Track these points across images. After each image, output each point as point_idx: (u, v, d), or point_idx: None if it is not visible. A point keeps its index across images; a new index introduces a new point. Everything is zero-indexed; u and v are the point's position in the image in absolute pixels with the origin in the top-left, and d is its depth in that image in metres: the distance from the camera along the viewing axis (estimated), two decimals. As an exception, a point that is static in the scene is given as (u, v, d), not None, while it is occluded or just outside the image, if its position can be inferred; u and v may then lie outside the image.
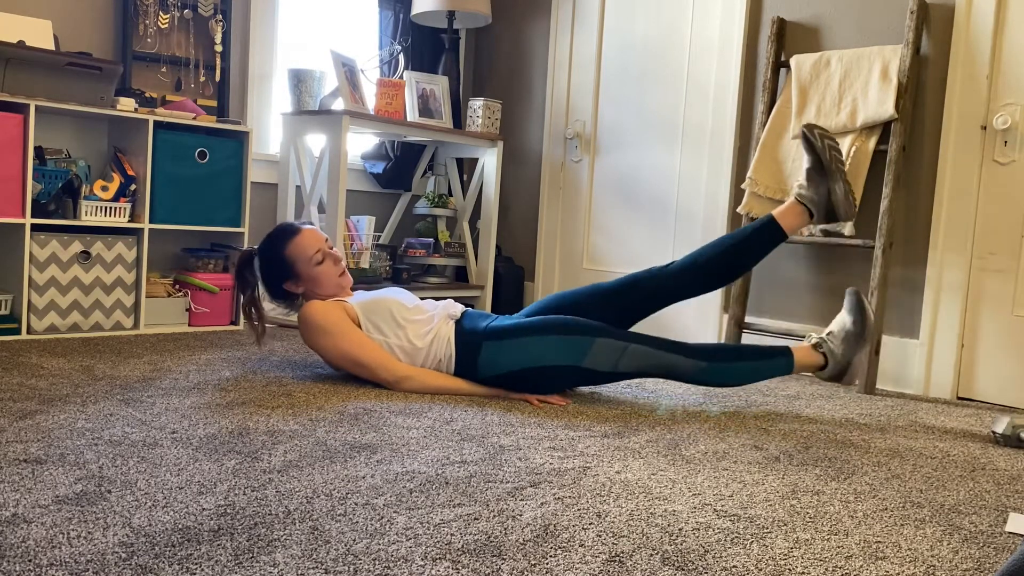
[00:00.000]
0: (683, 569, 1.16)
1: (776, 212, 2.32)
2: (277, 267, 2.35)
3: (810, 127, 2.29)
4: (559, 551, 1.19)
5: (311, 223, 2.51)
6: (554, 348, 2.15)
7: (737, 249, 2.29)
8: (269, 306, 2.47)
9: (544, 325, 2.18)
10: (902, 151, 2.73)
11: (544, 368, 2.15)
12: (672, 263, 2.35)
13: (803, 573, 1.18)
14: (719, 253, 2.30)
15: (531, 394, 2.20)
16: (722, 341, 3.19)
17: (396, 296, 2.33)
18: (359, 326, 2.27)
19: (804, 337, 2.80)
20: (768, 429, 2.05)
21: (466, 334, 2.23)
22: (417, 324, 2.27)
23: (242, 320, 3.15)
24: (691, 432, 1.96)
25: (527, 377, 2.17)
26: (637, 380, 2.61)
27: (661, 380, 2.64)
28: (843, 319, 2.28)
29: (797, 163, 2.88)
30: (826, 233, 2.80)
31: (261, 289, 2.41)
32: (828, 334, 2.28)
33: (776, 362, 2.24)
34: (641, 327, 3.42)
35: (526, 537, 1.24)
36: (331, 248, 2.38)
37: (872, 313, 2.29)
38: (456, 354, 2.23)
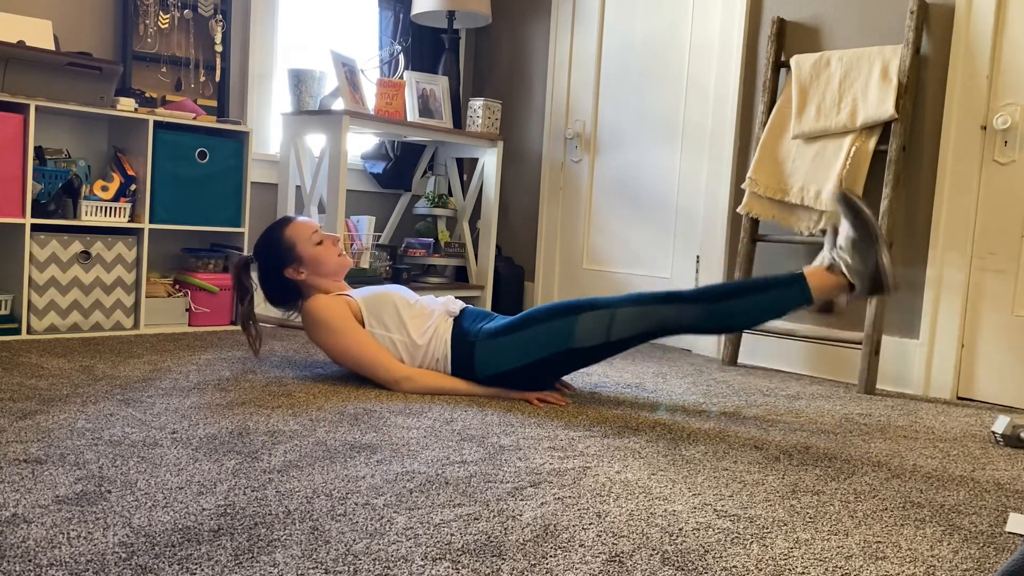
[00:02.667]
0: (683, 569, 1.16)
1: (808, 273, 2.07)
2: (277, 253, 2.34)
3: (847, 194, 2.06)
4: (559, 551, 1.19)
5: (305, 218, 2.52)
6: (542, 338, 2.13)
7: (750, 302, 2.05)
8: (267, 310, 2.47)
9: (526, 318, 2.17)
10: (902, 151, 2.73)
11: (538, 361, 2.15)
12: (681, 294, 2.10)
13: (803, 573, 1.18)
14: (736, 303, 2.05)
15: (533, 391, 2.20)
16: (723, 342, 3.18)
17: (398, 291, 2.34)
18: (362, 322, 2.27)
19: (816, 341, 2.78)
20: (768, 429, 2.05)
21: (462, 334, 2.23)
22: (418, 320, 2.28)
23: (242, 320, 3.16)
24: (691, 432, 1.96)
25: (525, 373, 2.17)
26: (637, 380, 2.60)
27: (662, 380, 2.64)
28: (843, 229, 2.06)
29: (797, 163, 2.88)
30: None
31: (259, 297, 2.41)
32: (836, 250, 2.05)
33: (791, 290, 2.01)
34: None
35: (526, 537, 1.24)
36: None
37: (867, 209, 2.02)
38: (452, 353, 2.23)
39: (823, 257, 2.09)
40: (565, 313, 2.13)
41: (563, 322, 2.12)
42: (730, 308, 2.04)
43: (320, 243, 2.35)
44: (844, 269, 2.04)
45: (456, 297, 3.70)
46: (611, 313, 2.09)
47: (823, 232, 2.83)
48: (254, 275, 2.41)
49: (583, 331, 2.11)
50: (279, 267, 2.35)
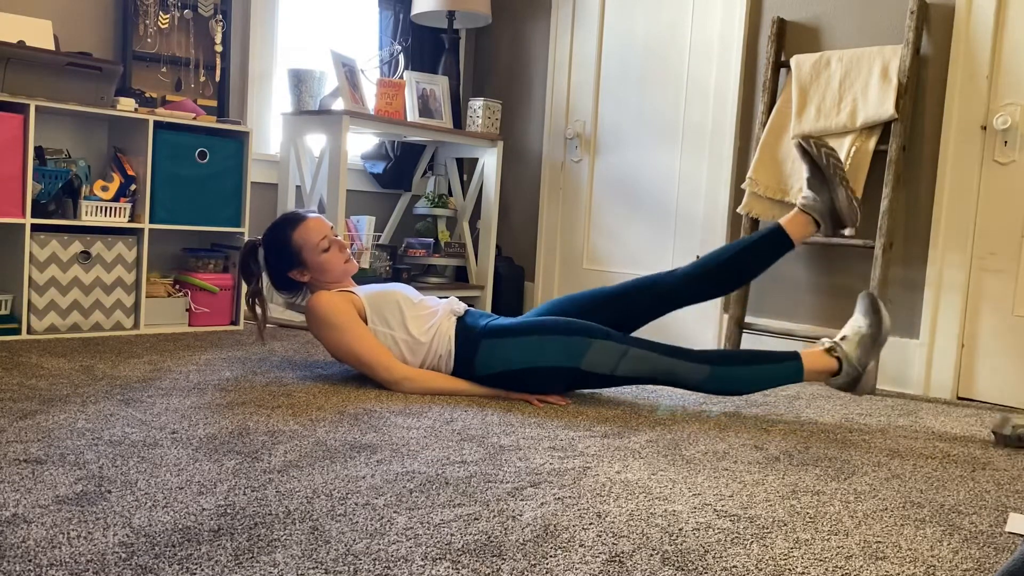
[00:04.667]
0: (683, 569, 1.16)
1: (783, 221, 2.28)
2: (283, 255, 2.34)
3: (804, 137, 2.28)
4: (559, 551, 1.19)
5: (315, 211, 2.51)
6: (552, 348, 2.14)
7: (743, 256, 2.26)
8: (275, 298, 2.47)
9: (542, 325, 2.18)
10: (902, 151, 2.73)
11: (541, 368, 2.15)
12: (677, 269, 2.31)
13: (803, 573, 1.18)
14: (725, 260, 2.26)
15: (530, 394, 2.20)
16: (723, 342, 3.19)
17: (402, 290, 2.34)
18: (365, 319, 2.27)
19: (814, 341, 2.79)
20: (768, 429, 2.05)
21: (466, 331, 2.24)
22: (421, 319, 2.28)
23: (243, 320, 3.15)
24: (691, 432, 1.96)
25: (524, 377, 2.17)
26: (637, 380, 2.61)
27: (661, 380, 2.64)
28: (857, 322, 2.18)
29: (797, 163, 2.88)
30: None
31: (265, 280, 2.41)
32: (842, 339, 2.17)
33: (785, 367, 2.14)
34: (643, 330, 3.42)
35: (526, 537, 1.24)
36: (336, 235, 2.39)
37: (888, 316, 2.18)
38: (455, 351, 2.23)
39: (822, 342, 2.20)
40: (582, 333, 2.15)
41: (577, 342, 2.14)
42: (733, 373, 2.14)
43: (327, 250, 2.34)
44: (841, 356, 2.14)
45: (456, 298, 3.71)
46: (624, 350, 2.14)
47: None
48: (261, 260, 2.41)
49: (593, 357, 2.13)
50: (284, 268, 2.36)
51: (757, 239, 2.27)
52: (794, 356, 2.15)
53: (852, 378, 2.14)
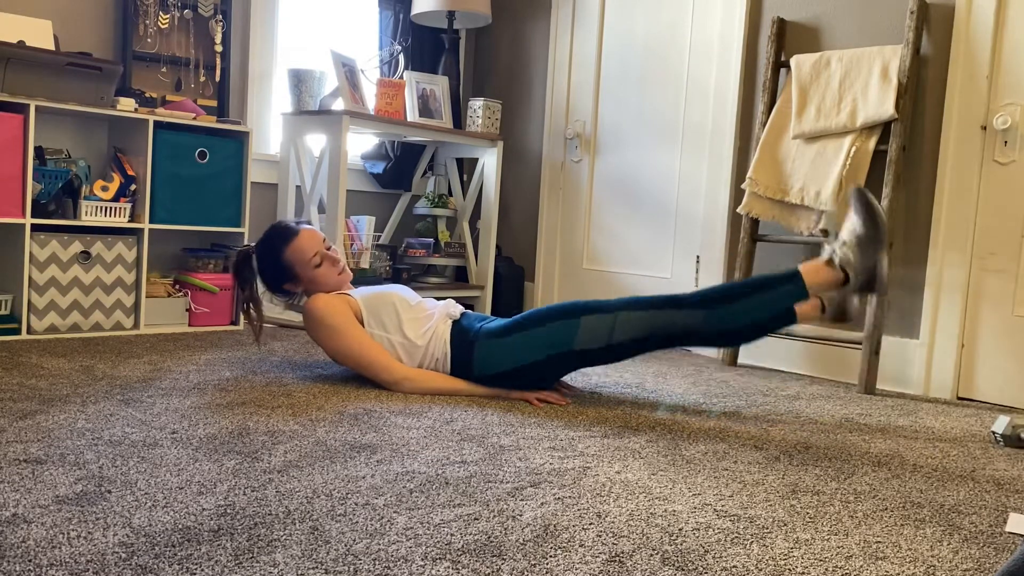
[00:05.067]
0: (683, 569, 1.16)
1: (804, 268, 2.08)
2: (276, 270, 2.34)
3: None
4: (559, 551, 1.19)
5: (308, 222, 2.51)
6: (542, 340, 2.13)
7: (753, 302, 2.06)
8: (269, 303, 2.46)
9: (528, 319, 2.17)
10: (902, 151, 2.73)
11: (537, 362, 2.15)
12: (682, 299, 2.10)
13: (803, 573, 1.18)
14: (733, 298, 2.07)
15: (532, 391, 2.20)
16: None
17: (399, 292, 2.34)
18: (362, 321, 2.27)
19: (815, 341, 2.78)
20: (768, 429, 2.05)
21: (461, 334, 2.24)
22: (418, 322, 2.28)
23: (242, 320, 3.15)
24: (691, 432, 1.96)
25: (522, 374, 2.17)
26: (637, 380, 2.60)
27: (662, 379, 2.63)
28: (851, 223, 2.05)
29: (797, 163, 2.88)
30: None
31: (260, 287, 2.41)
32: (840, 244, 2.04)
33: (784, 289, 2.02)
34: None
35: (526, 537, 1.24)
36: (328, 248, 2.36)
37: (881, 209, 2.03)
38: (452, 353, 2.23)
39: (821, 253, 2.09)
40: (567, 315, 2.13)
41: (565, 324, 2.12)
42: (730, 310, 2.04)
43: (319, 265, 2.31)
44: (840, 262, 2.03)
45: (456, 298, 3.71)
46: (613, 316, 2.09)
47: (824, 233, 2.83)
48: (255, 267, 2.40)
49: (585, 334, 2.11)
50: (277, 280, 2.35)
51: (769, 283, 2.08)
52: (792, 276, 2.04)
53: (864, 280, 2.00)
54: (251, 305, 2.36)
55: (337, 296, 2.28)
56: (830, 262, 2.06)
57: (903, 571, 1.21)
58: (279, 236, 2.34)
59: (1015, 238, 2.59)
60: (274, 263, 2.33)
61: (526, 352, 2.15)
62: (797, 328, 2.98)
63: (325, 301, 2.25)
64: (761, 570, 1.18)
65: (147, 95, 3.13)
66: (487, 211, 3.81)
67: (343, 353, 2.22)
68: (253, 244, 2.41)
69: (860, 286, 2.03)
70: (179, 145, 2.97)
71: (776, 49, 3.05)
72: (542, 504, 1.39)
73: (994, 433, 2.06)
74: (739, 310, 2.04)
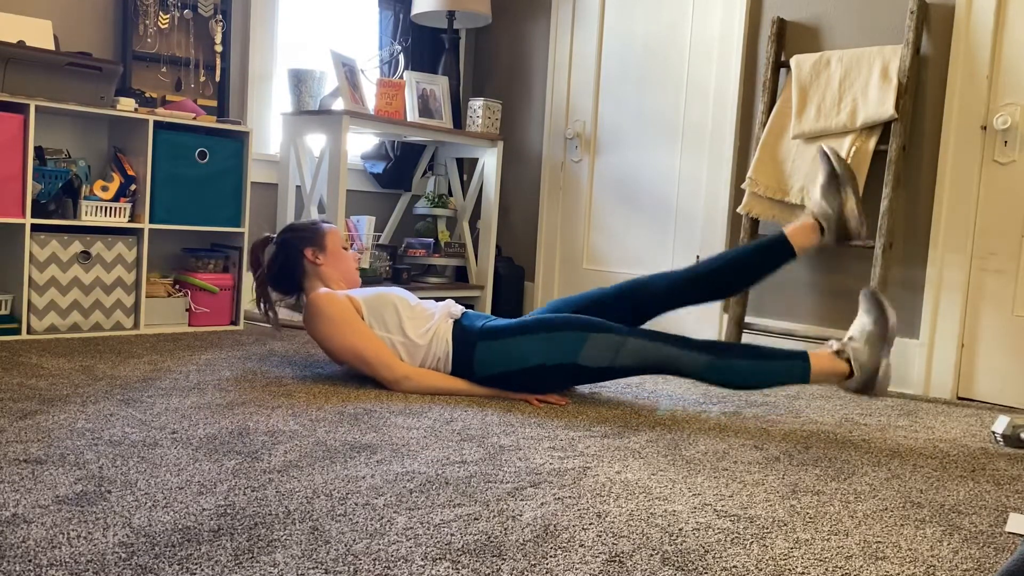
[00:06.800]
0: (683, 569, 1.16)
1: (787, 229, 2.25)
2: (307, 235, 2.41)
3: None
4: (559, 551, 1.19)
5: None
6: (547, 346, 2.13)
7: (741, 262, 2.24)
8: (274, 296, 2.49)
9: (536, 324, 2.17)
10: (902, 151, 2.73)
11: (539, 367, 2.15)
12: (676, 270, 2.30)
13: (803, 573, 1.18)
14: (721, 265, 2.24)
15: (530, 394, 2.20)
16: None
17: (398, 292, 2.34)
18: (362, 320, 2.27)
19: (815, 341, 2.79)
20: (768, 429, 2.05)
21: (463, 333, 2.23)
22: (419, 321, 2.28)
23: (243, 320, 3.16)
24: (691, 432, 1.96)
25: (523, 376, 2.17)
26: (637, 380, 2.60)
27: (662, 380, 2.64)
28: (862, 322, 2.12)
29: (797, 163, 2.88)
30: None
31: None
32: (849, 339, 2.12)
33: (791, 365, 2.09)
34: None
35: (526, 537, 1.24)
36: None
37: (892, 310, 2.11)
38: (453, 353, 2.23)
39: (829, 344, 2.15)
40: (577, 327, 2.14)
41: (573, 336, 2.13)
42: (733, 367, 2.09)
43: (346, 249, 2.47)
44: (851, 356, 2.08)
45: (456, 298, 3.71)
46: (621, 341, 2.12)
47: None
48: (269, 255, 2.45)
49: (590, 351, 2.12)
50: (301, 245, 2.39)
51: (758, 245, 2.25)
52: (802, 356, 2.10)
53: (867, 379, 2.07)
54: (262, 298, 2.42)
55: (339, 293, 2.29)
56: (839, 353, 2.10)
57: (903, 571, 1.21)
58: (317, 222, 2.48)
59: (1015, 238, 2.59)
60: (308, 228, 2.42)
61: (528, 355, 2.15)
62: (797, 328, 2.99)
63: (328, 294, 2.25)
64: (761, 570, 1.18)
65: (147, 95, 3.13)
66: (487, 211, 3.81)
67: (345, 347, 2.22)
68: (274, 235, 2.49)
69: (860, 386, 2.08)
70: (179, 145, 2.97)
71: (776, 49, 3.05)
72: (542, 504, 1.39)
73: (994, 433, 2.06)
74: (741, 370, 2.09)
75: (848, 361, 2.09)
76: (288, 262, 2.40)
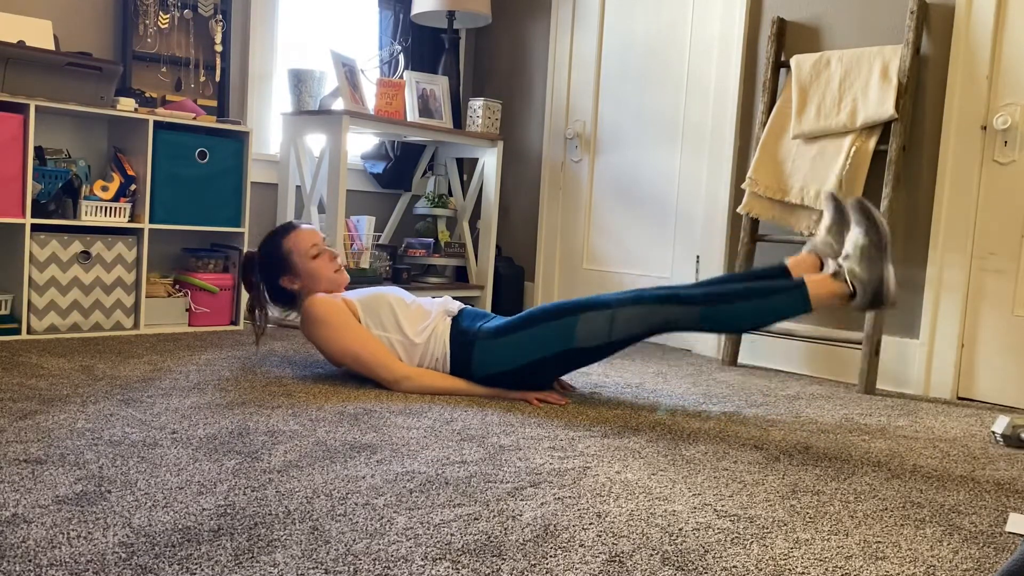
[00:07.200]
0: (683, 569, 1.16)
1: (810, 280, 2.04)
2: (275, 260, 2.37)
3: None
4: (559, 551, 1.19)
5: (309, 224, 2.54)
6: (543, 338, 2.13)
7: (753, 306, 2.03)
8: (271, 310, 2.49)
9: (527, 318, 2.17)
10: (902, 151, 2.73)
11: (539, 360, 2.15)
12: (681, 296, 2.08)
13: (803, 573, 1.18)
14: (733, 299, 2.04)
15: (533, 390, 2.20)
16: (723, 343, 3.18)
17: (394, 291, 2.34)
18: (359, 322, 2.27)
19: (815, 341, 2.78)
20: (768, 429, 2.05)
21: (461, 333, 2.23)
22: (415, 320, 2.28)
23: (243, 320, 3.16)
24: (691, 432, 1.96)
25: (524, 373, 2.17)
26: (637, 380, 2.60)
27: (661, 380, 2.64)
28: (854, 235, 2.03)
29: (797, 163, 2.88)
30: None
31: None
32: (844, 258, 2.02)
33: (790, 296, 1.99)
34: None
35: (526, 537, 1.24)
36: (328, 247, 2.41)
37: (882, 218, 2.01)
38: (451, 353, 2.23)
39: (812, 244, 2.08)
40: (566, 313, 2.13)
41: (564, 322, 2.12)
42: (729, 311, 2.03)
43: (316, 256, 2.36)
44: (848, 276, 2.01)
45: (456, 297, 3.71)
46: (612, 313, 2.09)
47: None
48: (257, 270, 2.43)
49: (584, 331, 2.11)
50: (275, 275, 2.37)
51: (772, 290, 2.04)
52: (798, 285, 2.01)
53: (873, 294, 1.98)
54: (257, 308, 2.39)
55: (334, 296, 2.29)
56: (836, 274, 2.03)
57: (903, 571, 1.21)
58: (280, 229, 2.42)
59: (1015, 238, 2.59)
60: (273, 252, 2.37)
61: (526, 351, 2.15)
62: (797, 328, 2.98)
63: (324, 299, 2.25)
64: (761, 570, 1.18)
65: (147, 95, 3.13)
66: (487, 211, 3.81)
67: (343, 350, 2.22)
68: (255, 251, 2.45)
69: (868, 300, 2.00)
70: (179, 145, 2.97)
71: (776, 49, 3.05)
72: (542, 504, 1.39)
73: (994, 433, 2.06)
74: (738, 312, 2.03)
75: (847, 282, 2.01)
76: (273, 294, 2.41)
